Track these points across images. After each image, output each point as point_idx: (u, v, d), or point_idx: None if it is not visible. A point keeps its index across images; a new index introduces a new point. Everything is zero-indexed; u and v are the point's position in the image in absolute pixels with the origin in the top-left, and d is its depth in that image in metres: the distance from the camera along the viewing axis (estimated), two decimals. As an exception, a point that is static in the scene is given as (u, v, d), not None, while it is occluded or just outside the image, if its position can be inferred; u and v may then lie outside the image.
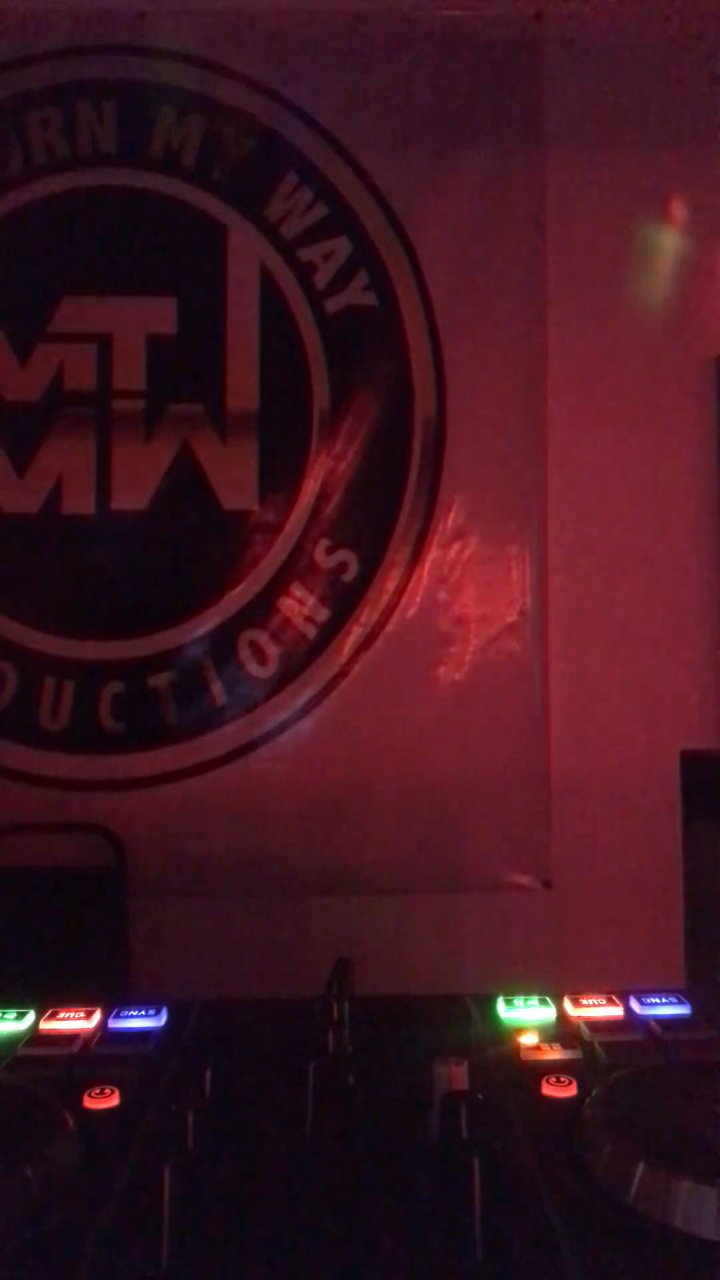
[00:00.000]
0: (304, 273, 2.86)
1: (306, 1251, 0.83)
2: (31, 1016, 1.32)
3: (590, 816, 2.83)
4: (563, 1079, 1.10)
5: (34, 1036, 1.26)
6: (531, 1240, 0.84)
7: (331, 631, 2.83)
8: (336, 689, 2.82)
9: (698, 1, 2.87)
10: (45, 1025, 1.29)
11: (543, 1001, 1.33)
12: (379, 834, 2.81)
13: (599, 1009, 1.31)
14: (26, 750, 2.77)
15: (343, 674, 2.83)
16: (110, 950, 2.64)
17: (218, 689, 2.81)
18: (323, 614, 2.83)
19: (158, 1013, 1.33)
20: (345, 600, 2.84)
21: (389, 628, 2.84)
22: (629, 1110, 0.98)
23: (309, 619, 2.83)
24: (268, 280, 2.85)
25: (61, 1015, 1.31)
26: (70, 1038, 1.24)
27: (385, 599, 2.84)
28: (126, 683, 2.79)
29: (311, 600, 2.83)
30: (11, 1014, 1.32)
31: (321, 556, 2.84)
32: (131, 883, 2.71)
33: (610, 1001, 1.33)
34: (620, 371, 2.91)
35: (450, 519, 2.86)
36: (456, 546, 2.86)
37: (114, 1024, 1.30)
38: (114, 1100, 1.08)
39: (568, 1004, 1.33)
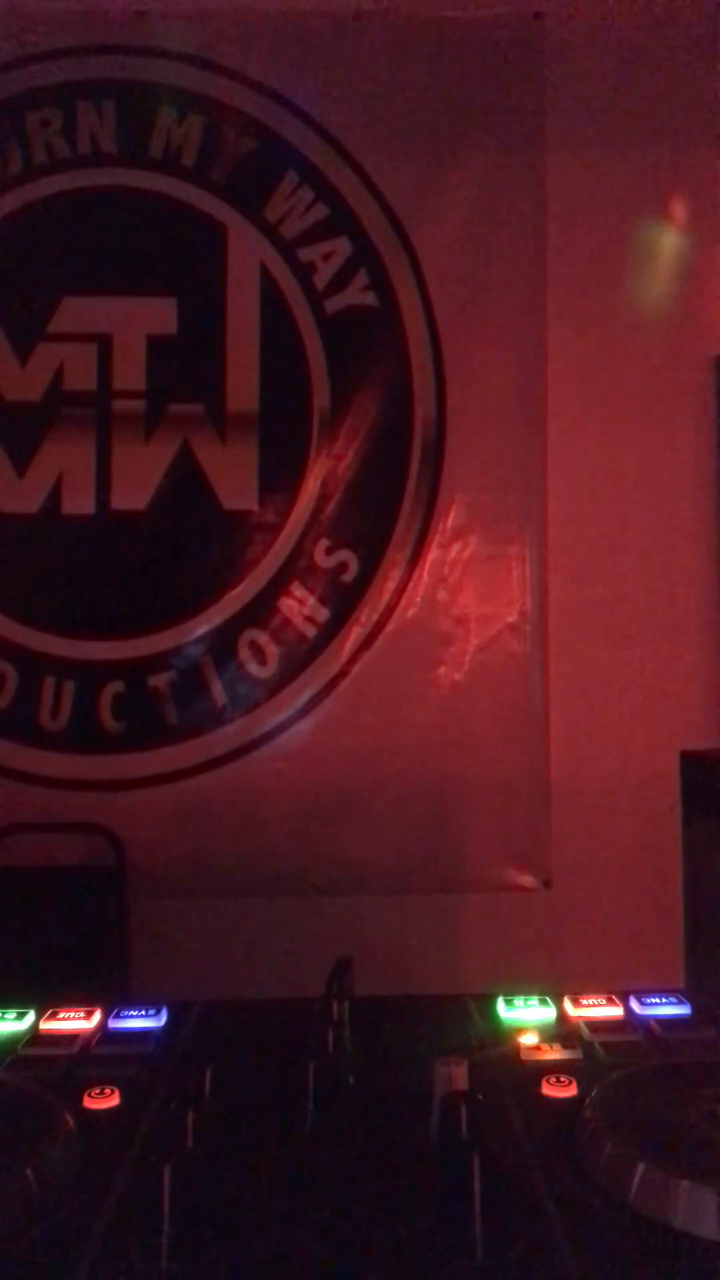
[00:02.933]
0: (304, 273, 2.86)
1: (306, 1251, 0.83)
2: (31, 1016, 1.32)
3: (590, 816, 2.83)
4: (563, 1079, 1.10)
5: (34, 1036, 1.26)
6: (531, 1240, 0.84)
7: (331, 631, 2.83)
8: (336, 689, 2.82)
9: (698, 2, 2.87)
10: (45, 1025, 1.29)
11: (543, 1001, 1.33)
12: (379, 834, 2.81)
13: (599, 1009, 1.31)
14: (27, 750, 2.77)
15: (343, 674, 2.83)
16: (110, 950, 2.64)
17: (218, 689, 2.81)
18: (323, 614, 2.83)
19: (158, 1013, 1.33)
20: (345, 600, 2.84)
21: (389, 628, 2.84)
22: (629, 1110, 0.98)
23: (309, 619, 2.83)
24: (268, 280, 2.85)
25: (61, 1015, 1.31)
26: (70, 1038, 1.24)
27: (385, 599, 2.84)
28: (126, 683, 2.79)
29: (311, 600, 2.83)
30: (11, 1014, 1.32)
31: (321, 556, 2.84)
32: (131, 883, 2.71)
33: (610, 1001, 1.33)
34: (620, 371, 2.91)
35: (450, 519, 2.86)
36: (456, 546, 2.86)
37: (114, 1024, 1.30)
38: (114, 1100, 1.08)
39: (568, 1004, 1.33)
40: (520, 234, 2.88)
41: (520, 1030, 1.25)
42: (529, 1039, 1.23)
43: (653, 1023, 1.27)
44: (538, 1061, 1.18)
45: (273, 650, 2.82)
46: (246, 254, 2.86)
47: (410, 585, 2.85)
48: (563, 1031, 1.26)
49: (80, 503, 2.81)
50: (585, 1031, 1.25)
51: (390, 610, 2.84)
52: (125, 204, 2.86)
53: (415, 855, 2.82)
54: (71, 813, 2.74)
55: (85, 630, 2.80)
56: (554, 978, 1.51)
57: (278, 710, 2.82)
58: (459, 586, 2.87)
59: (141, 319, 2.83)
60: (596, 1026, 1.26)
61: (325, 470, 2.85)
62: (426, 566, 2.86)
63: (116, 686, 2.79)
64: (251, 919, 2.76)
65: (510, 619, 2.87)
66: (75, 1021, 1.29)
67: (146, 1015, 1.32)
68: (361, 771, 2.81)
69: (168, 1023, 1.31)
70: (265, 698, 2.82)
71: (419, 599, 2.85)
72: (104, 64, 2.86)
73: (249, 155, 2.87)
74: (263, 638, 2.82)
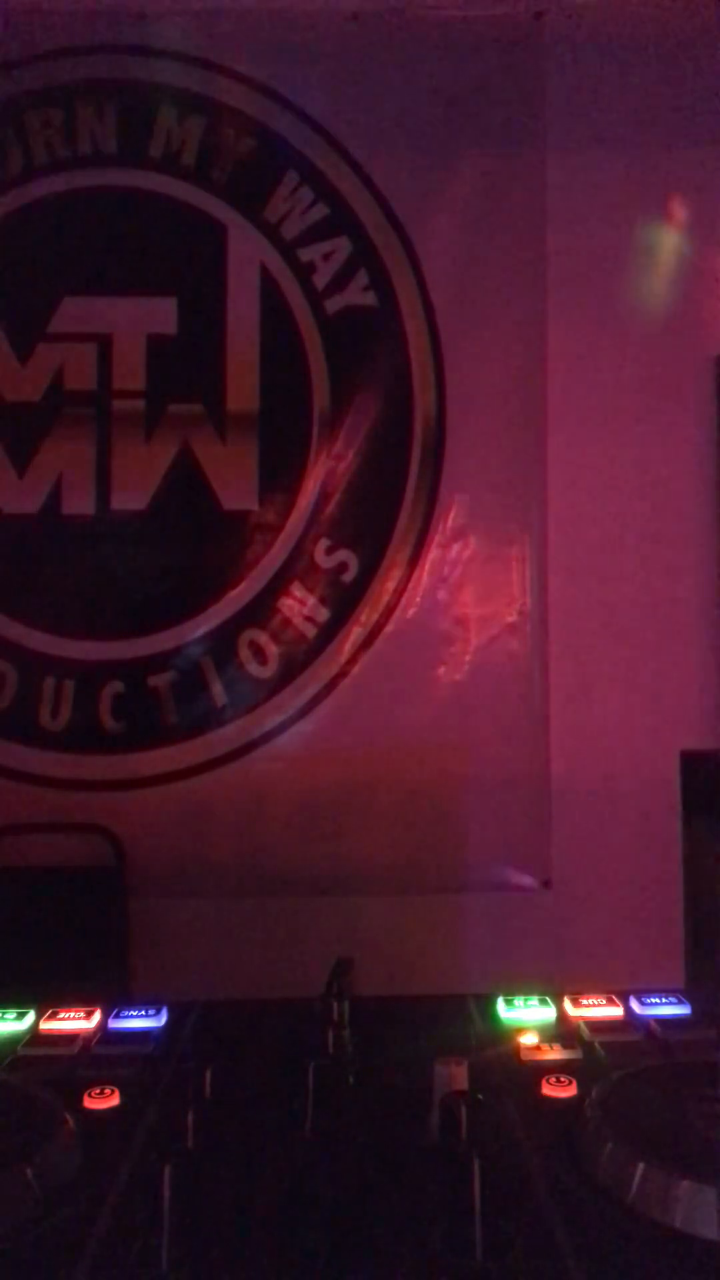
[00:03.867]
0: (304, 273, 2.86)
1: (306, 1251, 0.83)
2: (31, 1016, 1.32)
3: (590, 816, 2.83)
4: (563, 1079, 1.11)
5: (34, 1036, 1.26)
6: (531, 1240, 0.84)
7: (331, 631, 2.83)
8: (336, 689, 2.82)
9: (698, 1, 2.87)
10: (45, 1025, 1.29)
11: (543, 1001, 1.33)
12: (379, 834, 2.81)
13: (599, 1009, 1.32)
14: (26, 750, 2.77)
15: (343, 674, 2.83)
16: (110, 950, 2.64)
17: (218, 689, 2.81)
18: (323, 614, 2.83)
19: (158, 1013, 1.33)
20: (345, 600, 2.84)
21: (389, 628, 2.84)
22: (629, 1110, 0.98)
23: (309, 619, 2.83)
24: (268, 280, 2.85)
25: (61, 1015, 1.31)
26: (70, 1038, 1.24)
27: (385, 599, 2.84)
28: (126, 683, 2.79)
29: (311, 600, 2.83)
30: (11, 1014, 1.32)
31: (321, 556, 2.84)
32: (131, 883, 2.71)
33: (610, 1001, 1.33)
34: (620, 371, 2.91)
35: (450, 519, 2.86)
36: (456, 546, 2.86)
37: (114, 1024, 1.31)
38: (114, 1100, 1.08)
39: (568, 1004, 1.33)
40: (520, 234, 2.88)
41: (520, 1030, 1.26)
42: (529, 1039, 1.23)
43: (653, 1023, 1.27)
44: (538, 1061, 1.18)
45: (273, 650, 2.82)
46: (246, 254, 2.85)
47: (410, 585, 2.85)
48: (563, 1031, 1.26)
49: (80, 503, 2.81)
50: (585, 1031, 1.25)
51: (390, 610, 2.84)
52: (125, 204, 2.85)
53: (415, 855, 2.82)
54: (71, 813, 2.74)
55: (85, 630, 2.80)
56: (554, 978, 1.51)
57: (278, 710, 2.82)
58: (459, 586, 2.86)
59: (141, 319, 2.83)
60: (596, 1026, 1.26)
61: (325, 470, 2.85)
62: (426, 566, 2.85)
63: (116, 686, 2.79)
64: (251, 919, 2.76)
65: (510, 619, 2.87)
66: (75, 1021, 1.30)
67: (146, 1015, 1.32)
68: (361, 771, 2.81)
69: (168, 1023, 1.32)
70: (265, 698, 2.82)
71: (419, 599, 2.85)
72: (104, 64, 2.85)
73: (249, 155, 2.87)
74: (263, 638, 2.82)
